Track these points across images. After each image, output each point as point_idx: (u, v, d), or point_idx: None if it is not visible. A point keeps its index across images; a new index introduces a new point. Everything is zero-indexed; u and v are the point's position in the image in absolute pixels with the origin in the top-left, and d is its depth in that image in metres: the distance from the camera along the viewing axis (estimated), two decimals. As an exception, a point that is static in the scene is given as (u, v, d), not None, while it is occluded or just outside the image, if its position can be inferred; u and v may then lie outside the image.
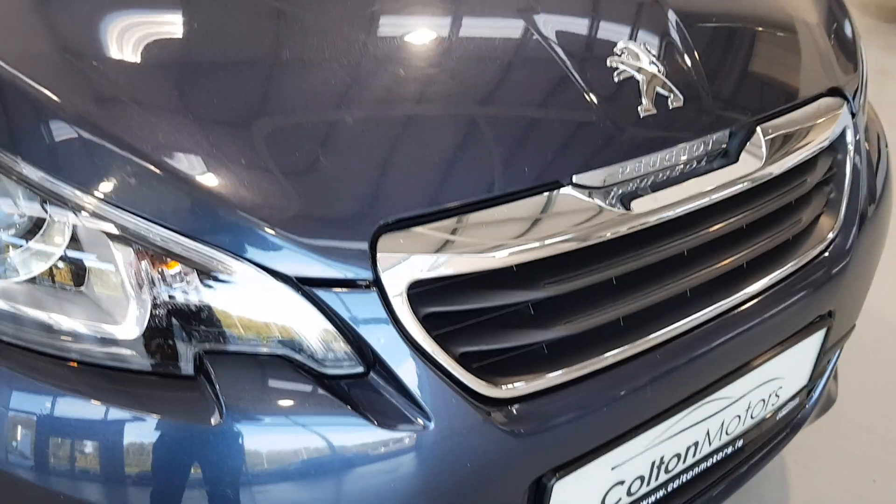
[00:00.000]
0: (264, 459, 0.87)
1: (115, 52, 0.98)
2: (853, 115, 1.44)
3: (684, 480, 1.28)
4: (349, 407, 0.90)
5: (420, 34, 1.11)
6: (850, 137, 1.42)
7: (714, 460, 1.32)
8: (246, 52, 1.03)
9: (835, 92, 1.41)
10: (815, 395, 1.58)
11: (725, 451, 1.33)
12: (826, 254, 1.37)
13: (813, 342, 1.38)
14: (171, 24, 1.04)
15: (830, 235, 1.37)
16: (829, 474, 1.95)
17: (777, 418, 1.42)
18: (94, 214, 0.87)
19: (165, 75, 0.98)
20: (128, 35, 1.00)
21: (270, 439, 0.88)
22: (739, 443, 1.35)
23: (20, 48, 0.95)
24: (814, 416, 1.63)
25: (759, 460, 1.46)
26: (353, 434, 0.90)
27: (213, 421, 0.85)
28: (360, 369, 0.92)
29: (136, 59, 0.98)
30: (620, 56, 1.14)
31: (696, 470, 1.29)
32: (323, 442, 0.89)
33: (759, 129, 1.25)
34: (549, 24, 1.14)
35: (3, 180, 0.89)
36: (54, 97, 0.90)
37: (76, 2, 1.04)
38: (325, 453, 0.89)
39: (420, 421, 0.93)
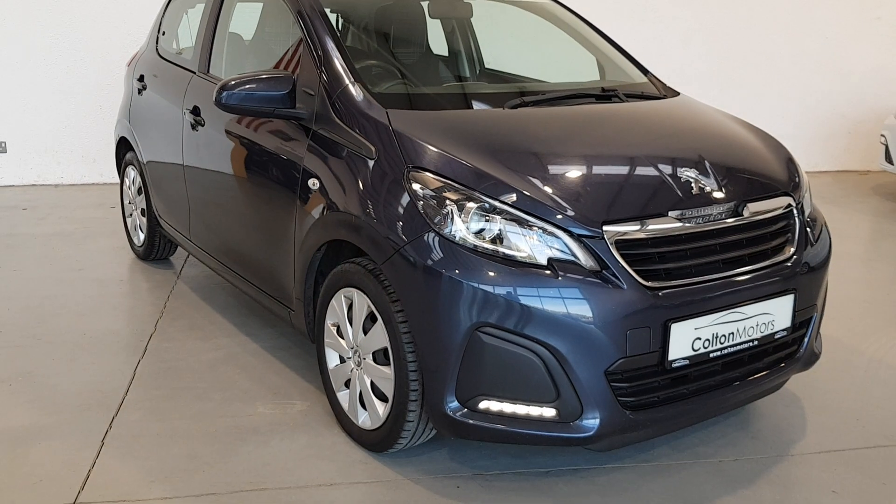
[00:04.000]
0: (580, 299, 2.60)
1: (498, 151, 2.82)
2: (798, 203, 3.16)
3: (728, 353, 2.87)
4: (599, 280, 2.62)
5: (613, 150, 2.97)
6: (795, 213, 3.14)
7: (743, 348, 2.90)
8: (545, 144, 2.91)
9: (785, 193, 3.15)
10: (805, 343, 3.16)
11: (749, 344, 2.91)
12: (789, 263, 3.04)
13: (787, 301, 3.00)
14: (527, 137, 2.93)
15: (790, 251, 3.06)
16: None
17: (775, 339, 3.00)
18: (505, 212, 2.67)
19: (525, 158, 2.86)
20: (507, 141, 2.90)
21: (579, 292, 2.61)
22: (755, 343, 2.94)
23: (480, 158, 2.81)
24: (804, 361, 3.21)
25: (771, 372, 3.04)
26: (601, 290, 2.62)
27: (560, 279, 2.59)
28: (599, 269, 2.65)
29: (510, 151, 2.86)
30: (685, 173, 2.93)
31: (734, 350, 2.88)
32: (591, 292, 2.61)
33: (748, 203, 2.98)
34: (659, 162, 2.98)
35: (469, 204, 2.70)
36: (490, 171, 2.77)
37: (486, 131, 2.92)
38: (591, 297, 2.61)
39: (623, 288, 2.63)
